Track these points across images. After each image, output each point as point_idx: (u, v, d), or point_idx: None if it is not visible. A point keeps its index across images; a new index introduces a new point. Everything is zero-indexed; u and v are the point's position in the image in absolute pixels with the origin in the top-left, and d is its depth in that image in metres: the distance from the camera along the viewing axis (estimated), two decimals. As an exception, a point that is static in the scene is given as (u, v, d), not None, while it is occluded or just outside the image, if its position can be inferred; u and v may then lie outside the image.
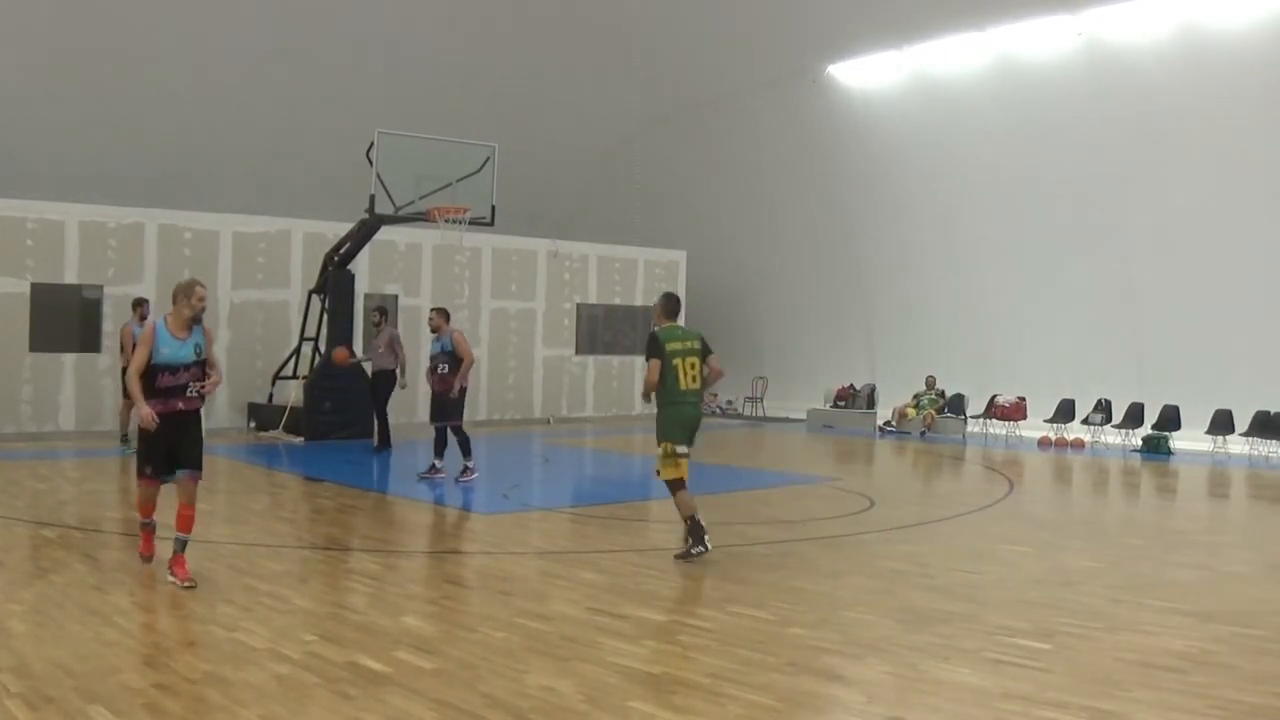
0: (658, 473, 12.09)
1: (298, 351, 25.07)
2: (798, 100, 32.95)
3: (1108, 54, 26.87)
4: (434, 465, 18.02)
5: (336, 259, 24.39)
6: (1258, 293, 25.28)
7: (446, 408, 17.84)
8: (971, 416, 29.44)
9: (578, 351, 31.90)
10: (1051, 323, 28.89)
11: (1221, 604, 10.20)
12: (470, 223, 23.51)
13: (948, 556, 12.58)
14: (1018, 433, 28.46)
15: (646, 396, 12.27)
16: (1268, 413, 24.77)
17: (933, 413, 29.46)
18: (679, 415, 12.09)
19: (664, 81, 34.12)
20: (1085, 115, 27.37)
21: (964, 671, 7.92)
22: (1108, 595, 10.53)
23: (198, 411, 10.30)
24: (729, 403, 35.59)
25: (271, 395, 25.31)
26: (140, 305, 20.27)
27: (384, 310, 22.59)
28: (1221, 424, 25.49)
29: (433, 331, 18.30)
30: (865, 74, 31.91)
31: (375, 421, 22.06)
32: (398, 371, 21.20)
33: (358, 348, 24.88)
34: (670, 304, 12.50)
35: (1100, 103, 27.07)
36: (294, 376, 24.82)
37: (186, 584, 9.81)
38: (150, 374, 9.93)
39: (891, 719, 6.92)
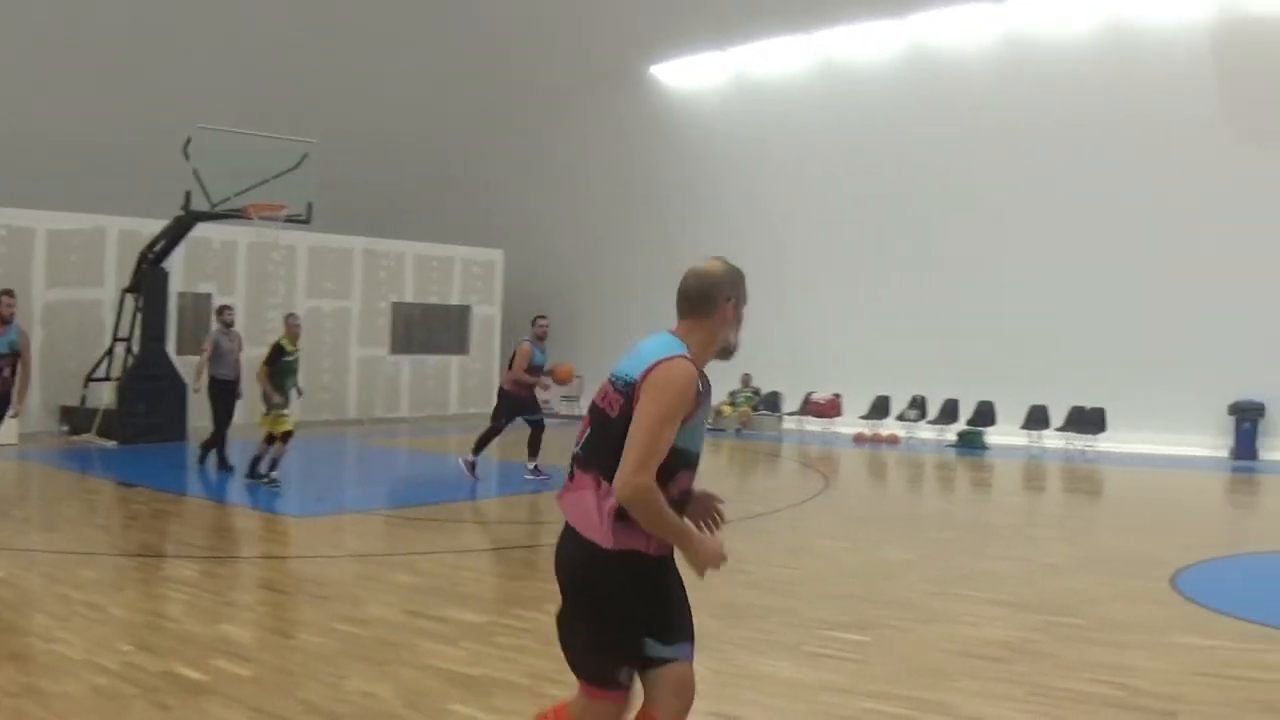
0: None
1: (110, 352, 24.34)
2: (619, 99, 32.94)
3: (931, 59, 27.33)
4: None
5: (151, 257, 23.71)
6: (1072, 290, 25.88)
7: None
8: (787, 414, 29.68)
9: (393, 351, 31.41)
10: (867, 320, 29.23)
11: (1039, 594, 10.31)
12: (287, 220, 23.07)
13: (765, 552, 12.55)
14: (833, 429, 28.73)
15: None
16: (1082, 408, 25.34)
17: (749, 410, 29.60)
18: None
19: (485, 79, 33.80)
20: (906, 119, 27.85)
21: (784, 665, 7.89)
22: (925, 588, 10.58)
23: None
24: (545, 402, 35.27)
25: (84, 397, 24.53)
26: None
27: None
28: (1037, 419, 26.01)
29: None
30: (688, 74, 32.04)
31: (216, 439, 19.07)
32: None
33: (172, 349, 24.29)
34: None
35: (921, 106, 27.52)
36: (107, 378, 24.10)
37: None
38: None
39: (712, 714, 6.81)
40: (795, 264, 30.56)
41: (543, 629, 8.73)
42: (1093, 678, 7.58)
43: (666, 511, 4.49)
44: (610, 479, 4.50)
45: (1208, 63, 24.21)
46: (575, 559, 4.80)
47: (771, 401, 30.23)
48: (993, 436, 26.14)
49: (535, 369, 18.48)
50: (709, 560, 4.67)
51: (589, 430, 4.76)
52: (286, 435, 16.69)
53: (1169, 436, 24.74)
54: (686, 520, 4.79)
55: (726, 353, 4.95)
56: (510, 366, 18.62)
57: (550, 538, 12.60)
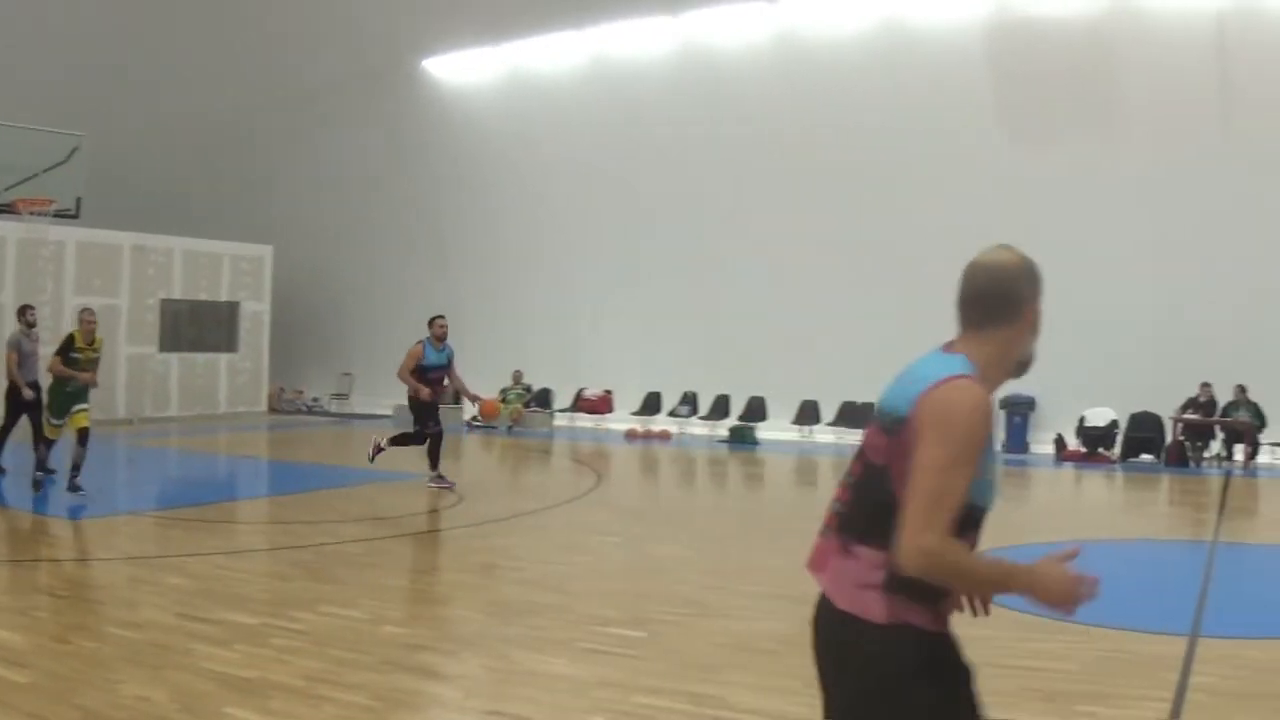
0: None
1: None
2: (390, 94, 32.53)
3: (704, 57, 27.56)
4: None
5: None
6: (842, 287, 26.29)
7: None
8: (559, 410, 29.65)
9: (162, 349, 30.52)
10: (638, 317, 29.33)
11: (811, 587, 10.34)
12: (55, 215, 22.32)
13: (538, 549, 12.48)
14: (605, 426, 28.79)
15: None
16: (853, 403, 25.75)
17: (520, 407, 29.50)
18: None
19: (255, 74, 33.12)
20: (679, 116, 27.98)
21: (559, 662, 7.81)
22: (699, 582, 10.59)
23: None
24: (315, 400, 34.87)
25: None
26: None
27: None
28: (808, 414, 26.40)
29: None
30: (461, 70, 31.81)
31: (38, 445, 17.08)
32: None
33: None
34: None
35: (693, 105, 27.74)
36: None
37: None
38: None
39: (490, 713, 6.71)
40: (567, 260, 30.56)
41: (317, 630, 8.54)
42: (866, 668, 7.60)
43: (972, 561, 3.44)
44: (875, 543, 3.54)
45: (980, 64, 24.80)
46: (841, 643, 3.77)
47: (543, 398, 30.20)
48: (764, 432, 26.46)
49: (430, 370, 17.41)
50: (1069, 593, 3.40)
51: (855, 480, 3.73)
52: (83, 434, 15.96)
53: (942, 430, 25.19)
54: (996, 556, 3.52)
55: (1023, 368, 3.86)
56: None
57: (323, 536, 12.43)
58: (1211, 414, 23.18)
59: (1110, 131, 24.15)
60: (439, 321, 17.76)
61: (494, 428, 28.76)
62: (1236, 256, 23.26)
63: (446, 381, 17.98)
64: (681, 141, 28.12)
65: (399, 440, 17.44)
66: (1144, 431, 23.88)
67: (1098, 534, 14.49)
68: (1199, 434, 23.44)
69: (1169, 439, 23.38)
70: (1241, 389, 22.77)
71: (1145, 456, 23.72)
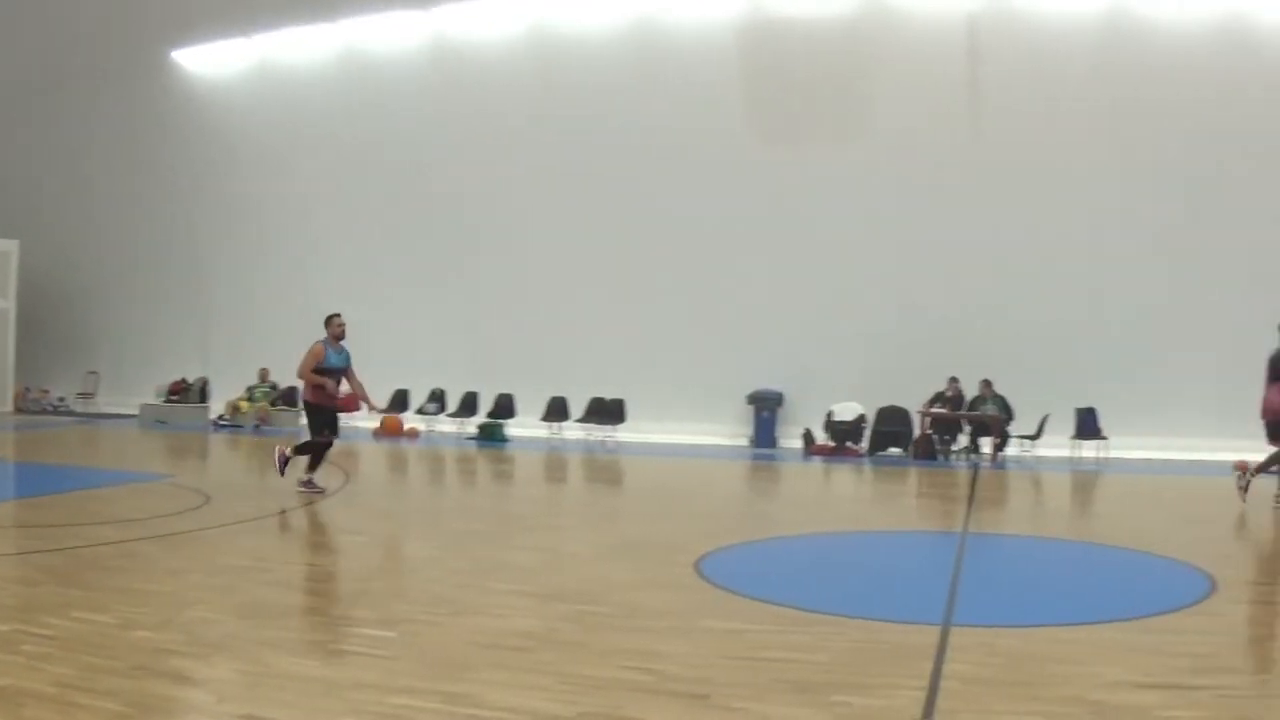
0: None
1: None
2: (139, 85, 31.77)
3: (455, 49, 27.57)
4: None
5: None
6: (591, 284, 26.57)
7: None
8: (306, 408, 29.38)
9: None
10: (385, 311, 29.10)
11: (563, 584, 10.54)
12: None
13: (287, 550, 12.45)
14: (352, 424, 28.55)
15: None
16: (602, 399, 26.06)
17: (267, 406, 29.16)
18: None
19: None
20: (429, 109, 27.98)
21: (312, 664, 7.79)
22: (452, 581, 10.65)
23: None
24: (60, 399, 33.94)
25: None
26: None
27: None
28: (556, 411, 26.61)
29: None
30: (211, 61, 31.27)
31: None
32: None
33: None
34: None
35: (444, 98, 27.73)
36: None
37: None
38: None
39: (243, 716, 6.66)
40: (315, 255, 30.25)
41: (67, 636, 8.39)
42: (621, 664, 7.76)
43: None
44: None
45: (733, 63, 25.23)
46: None
47: (290, 396, 29.86)
48: (513, 428, 26.58)
49: (329, 373, 16.52)
50: None
51: None
52: None
53: (690, 426, 25.71)
54: None
55: None
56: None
57: (72, 539, 12.17)
58: (959, 408, 23.99)
59: (861, 132, 24.82)
60: (336, 320, 16.83)
61: (240, 426, 28.41)
62: (982, 254, 24.12)
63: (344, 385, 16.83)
64: (432, 135, 28.13)
65: (302, 449, 16.88)
66: (892, 425, 24.58)
67: (848, 527, 14.96)
68: (947, 428, 24.23)
69: (917, 433, 24.10)
70: (988, 383, 23.62)
71: (894, 450, 24.43)
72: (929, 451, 23.74)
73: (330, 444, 16.89)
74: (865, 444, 24.63)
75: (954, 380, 23.93)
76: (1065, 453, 23.63)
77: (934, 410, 24.02)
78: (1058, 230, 24.17)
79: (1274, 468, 16.53)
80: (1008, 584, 11.70)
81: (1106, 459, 23.24)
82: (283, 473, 16.53)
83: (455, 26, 27.91)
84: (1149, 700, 7.09)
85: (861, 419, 24.72)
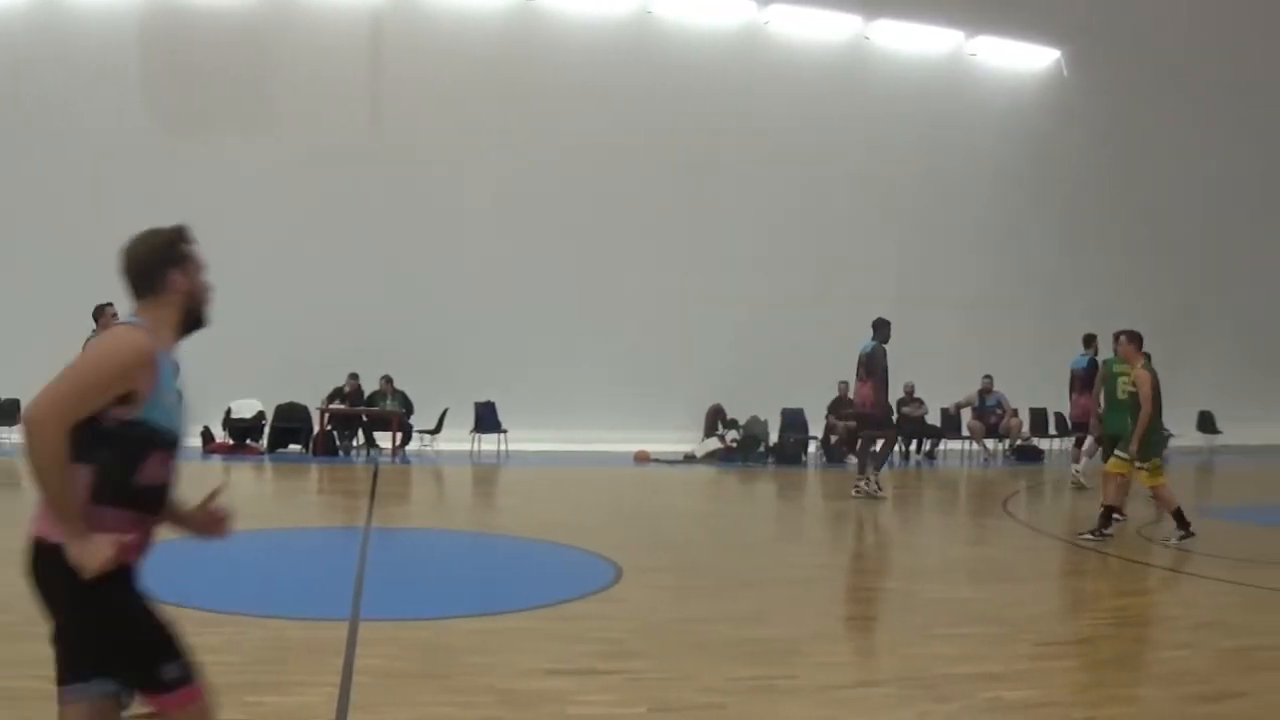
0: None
1: None
2: None
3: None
4: None
5: None
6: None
7: None
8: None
9: None
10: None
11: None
12: None
13: None
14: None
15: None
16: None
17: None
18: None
19: None
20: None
21: None
22: None
23: None
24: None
25: None
26: None
27: None
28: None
29: None
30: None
31: None
32: None
33: None
34: None
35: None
36: None
37: None
38: None
39: None
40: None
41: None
42: (31, 674, 7.30)
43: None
44: None
45: (134, 50, 24.22)
46: None
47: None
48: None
49: None
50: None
51: None
52: None
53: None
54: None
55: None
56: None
57: None
58: (359, 404, 24.07)
59: (264, 122, 24.44)
60: (109, 310, 14.83)
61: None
62: (379, 248, 24.33)
63: None
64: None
65: None
66: (291, 422, 24.46)
67: (251, 525, 14.75)
68: (346, 423, 24.27)
69: (316, 429, 24.01)
70: (388, 379, 23.92)
71: (294, 447, 24.35)
72: (329, 448, 23.78)
73: None
74: (265, 441, 24.39)
75: (353, 376, 24.17)
76: (466, 446, 24.11)
77: (333, 407, 24.06)
78: (453, 223, 24.73)
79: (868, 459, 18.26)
80: (416, 578, 11.94)
81: (507, 451, 23.90)
82: None
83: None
84: (562, 686, 7.40)
85: (261, 416, 24.47)
